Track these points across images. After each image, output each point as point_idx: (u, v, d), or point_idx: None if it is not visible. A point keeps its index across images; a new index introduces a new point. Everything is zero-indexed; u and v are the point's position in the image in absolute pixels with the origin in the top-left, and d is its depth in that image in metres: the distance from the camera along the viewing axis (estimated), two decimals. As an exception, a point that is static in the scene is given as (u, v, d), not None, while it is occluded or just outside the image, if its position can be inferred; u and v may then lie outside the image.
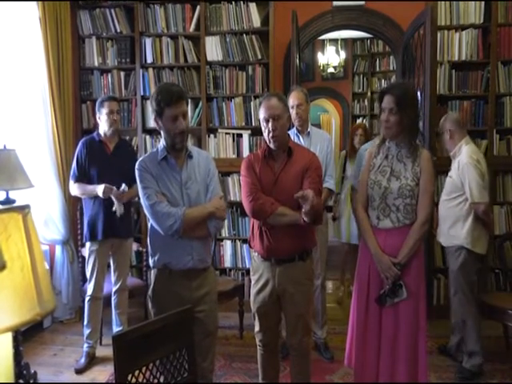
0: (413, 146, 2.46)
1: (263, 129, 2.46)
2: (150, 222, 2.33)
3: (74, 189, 3.48)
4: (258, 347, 2.70)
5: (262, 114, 2.44)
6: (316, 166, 2.48)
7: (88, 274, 3.53)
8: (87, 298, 3.53)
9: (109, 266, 3.70)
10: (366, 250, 2.57)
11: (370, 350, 2.51)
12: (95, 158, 3.45)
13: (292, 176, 2.43)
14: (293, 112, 3.39)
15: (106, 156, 3.49)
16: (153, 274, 2.40)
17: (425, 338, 2.48)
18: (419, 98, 4.14)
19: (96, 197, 3.39)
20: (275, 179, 2.44)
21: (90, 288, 3.52)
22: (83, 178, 3.44)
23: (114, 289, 3.69)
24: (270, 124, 2.40)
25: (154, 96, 2.24)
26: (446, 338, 3.63)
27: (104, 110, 3.42)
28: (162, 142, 2.34)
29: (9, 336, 1.21)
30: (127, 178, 3.40)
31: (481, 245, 3.25)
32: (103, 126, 3.46)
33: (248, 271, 4.16)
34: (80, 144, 3.51)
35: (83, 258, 4.05)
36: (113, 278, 3.68)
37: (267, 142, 2.47)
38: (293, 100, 3.39)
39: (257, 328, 2.65)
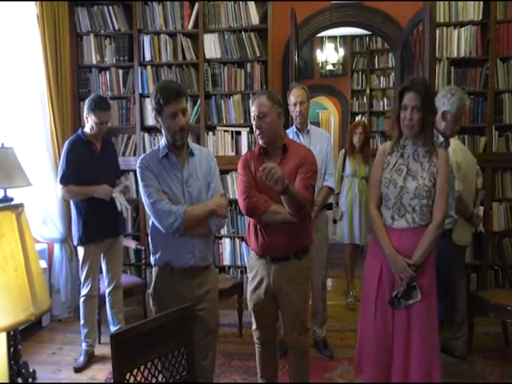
0: (430, 145, 2.40)
1: (253, 126, 2.49)
2: (151, 220, 2.33)
3: (66, 192, 3.33)
4: (256, 345, 2.71)
5: (251, 112, 2.49)
6: (310, 162, 2.45)
7: (83, 275, 3.45)
8: (82, 298, 3.48)
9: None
10: (377, 250, 2.51)
11: (382, 352, 2.47)
12: (85, 159, 3.35)
13: (286, 173, 2.40)
14: (295, 109, 3.37)
15: (95, 156, 3.41)
16: (154, 271, 2.40)
17: (437, 339, 2.44)
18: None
19: (90, 198, 3.31)
20: None
21: (85, 288, 3.46)
22: (73, 180, 3.30)
23: (108, 289, 3.64)
24: (255, 122, 2.44)
25: (153, 94, 2.25)
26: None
27: (94, 119, 3.27)
28: (163, 140, 2.34)
29: (3, 336, 1.21)
30: (115, 175, 3.47)
31: (456, 233, 3.20)
32: (90, 128, 3.35)
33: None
34: (68, 145, 3.35)
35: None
36: (106, 277, 3.63)
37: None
38: (295, 97, 3.36)
39: (254, 326, 2.66)
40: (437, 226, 2.37)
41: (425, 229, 2.39)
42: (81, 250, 3.44)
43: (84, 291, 3.47)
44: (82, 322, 3.52)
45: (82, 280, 3.47)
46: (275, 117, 2.44)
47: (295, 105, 3.36)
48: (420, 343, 2.38)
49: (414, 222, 2.40)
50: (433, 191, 2.38)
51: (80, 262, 3.47)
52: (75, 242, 3.49)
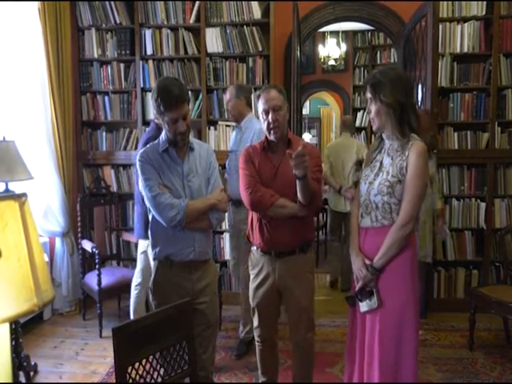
0: (404, 138, 2.14)
1: (262, 121, 2.44)
2: (152, 214, 2.32)
3: None
4: (257, 343, 2.68)
5: (261, 106, 2.42)
6: (315, 156, 2.45)
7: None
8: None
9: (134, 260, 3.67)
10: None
11: (352, 351, 2.36)
12: None
13: (291, 167, 2.40)
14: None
15: None
16: (154, 266, 2.40)
17: (412, 358, 2.13)
18: (419, 88, 4.11)
19: None
20: (275, 171, 2.41)
21: None
22: None
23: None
24: (270, 115, 2.38)
25: (154, 96, 2.23)
26: (447, 331, 3.62)
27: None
28: (163, 134, 2.34)
29: (6, 327, 1.20)
30: None
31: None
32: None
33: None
34: None
35: (83, 250, 4.06)
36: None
37: (267, 133, 2.45)
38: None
39: (255, 323, 2.62)
40: (398, 227, 2.13)
41: (389, 229, 2.18)
42: (141, 243, 3.47)
43: None
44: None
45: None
46: (286, 111, 2.45)
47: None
48: (380, 360, 2.14)
49: (377, 221, 2.21)
50: (397, 187, 2.14)
51: (138, 254, 3.50)
52: (137, 235, 3.47)
